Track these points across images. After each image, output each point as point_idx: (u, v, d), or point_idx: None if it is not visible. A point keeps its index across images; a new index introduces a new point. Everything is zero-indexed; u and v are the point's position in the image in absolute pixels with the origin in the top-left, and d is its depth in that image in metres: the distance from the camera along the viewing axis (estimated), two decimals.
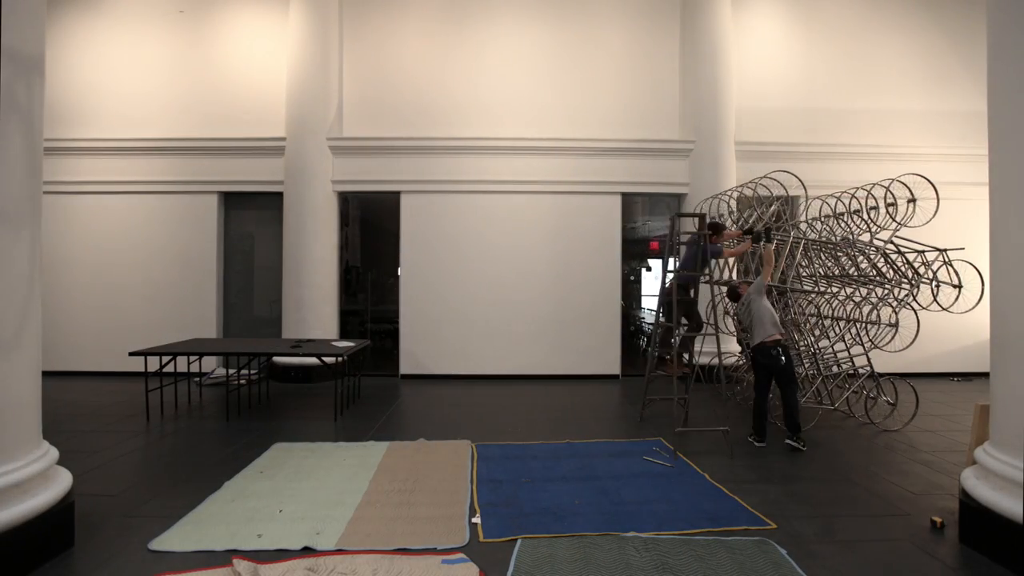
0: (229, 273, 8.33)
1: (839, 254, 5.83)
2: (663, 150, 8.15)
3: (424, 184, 8.06)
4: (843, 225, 6.03)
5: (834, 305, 6.15)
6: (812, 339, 5.86)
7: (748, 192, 6.71)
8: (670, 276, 5.37)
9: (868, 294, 5.79)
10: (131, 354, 5.61)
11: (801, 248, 5.70)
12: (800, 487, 3.84)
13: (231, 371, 6.79)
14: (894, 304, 5.49)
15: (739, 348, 7.47)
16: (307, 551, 2.86)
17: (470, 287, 8.06)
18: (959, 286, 5.30)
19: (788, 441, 4.67)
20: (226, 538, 2.98)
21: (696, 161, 8.08)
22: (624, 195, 8.26)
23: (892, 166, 7.39)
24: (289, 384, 7.45)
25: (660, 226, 10.14)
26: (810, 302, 6.05)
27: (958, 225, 7.21)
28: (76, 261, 8.00)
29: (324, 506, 3.42)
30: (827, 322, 5.96)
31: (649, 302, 11.94)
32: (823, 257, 5.99)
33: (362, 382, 7.03)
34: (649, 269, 12.23)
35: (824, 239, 5.98)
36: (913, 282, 5.35)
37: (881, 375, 5.88)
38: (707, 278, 5.42)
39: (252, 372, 6.79)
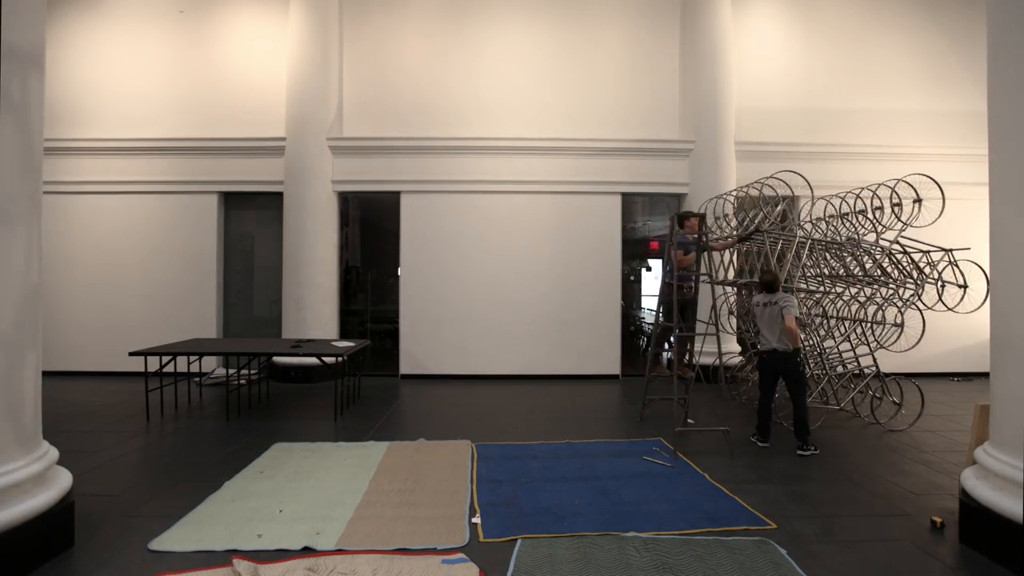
0: (229, 273, 8.33)
1: (844, 254, 5.83)
2: (663, 150, 8.15)
3: (424, 184, 8.06)
4: (848, 225, 6.02)
5: (839, 305, 6.14)
6: (818, 339, 5.85)
7: (754, 192, 6.69)
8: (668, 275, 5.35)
9: (873, 294, 5.78)
10: (131, 354, 5.62)
11: (807, 248, 5.69)
12: (800, 487, 3.84)
13: (231, 371, 6.79)
14: (899, 304, 5.49)
15: (739, 348, 7.47)
16: (307, 551, 2.86)
17: (470, 287, 8.06)
18: (964, 286, 5.29)
19: (799, 452, 4.55)
20: (226, 538, 2.98)
21: (696, 161, 8.08)
22: (624, 195, 8.26)
23: (892, 166, 7.39)
24: (289, 384, 7.45)
25: (660, 226, 10.13)
26: (816, 302, 6.05)
27: (958, 225, 7.20)
28: (76, 261, 8.00)
29: (324, 506, 3.42)
30: (833, 322, 5.95)
31: (649, 302, 11.92)
32: (828, 257, 5.99)
33: (362, 382, 7.03)
34: (649, 269, 12.22)
35: (829, 239, 5.98)
36: (918, 282, 5.34)
37: (886, 375, 5.88)
38: (707, 278, 5.41)
39: (252, 372, 6.78)
